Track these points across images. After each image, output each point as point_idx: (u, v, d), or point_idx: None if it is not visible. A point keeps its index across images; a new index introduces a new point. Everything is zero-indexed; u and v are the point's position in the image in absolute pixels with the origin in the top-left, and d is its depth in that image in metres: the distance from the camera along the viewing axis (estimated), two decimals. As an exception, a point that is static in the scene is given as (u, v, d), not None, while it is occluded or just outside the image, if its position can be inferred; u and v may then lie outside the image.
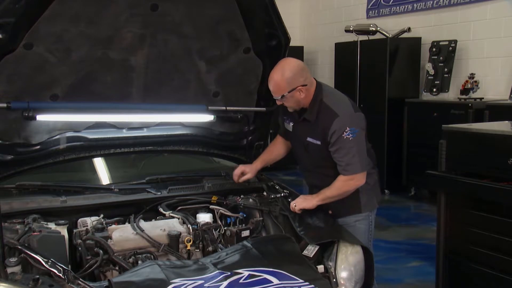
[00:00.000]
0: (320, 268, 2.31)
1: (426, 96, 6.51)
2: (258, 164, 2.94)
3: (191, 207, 2.78)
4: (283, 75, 2.50)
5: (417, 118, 6.37)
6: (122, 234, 2.42)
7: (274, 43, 2.68)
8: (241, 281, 2.03)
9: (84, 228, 2.45)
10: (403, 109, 6.55)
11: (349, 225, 2.67)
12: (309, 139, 2.64)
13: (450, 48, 6.22)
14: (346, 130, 2.47)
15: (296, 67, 2.54)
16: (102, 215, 2.56)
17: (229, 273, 2.07)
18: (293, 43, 2.81)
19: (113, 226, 2.51)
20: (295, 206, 2.60)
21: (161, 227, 2.50)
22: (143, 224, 2.52)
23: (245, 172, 2.90)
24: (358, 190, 2.71)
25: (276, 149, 2.96)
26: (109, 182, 3.02)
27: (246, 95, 2.93)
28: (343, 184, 2.57)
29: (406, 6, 7.00)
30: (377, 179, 2.83)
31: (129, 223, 2.56)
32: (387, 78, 6.60)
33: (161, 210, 2.68)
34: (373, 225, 2.83)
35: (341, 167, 2.55)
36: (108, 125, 2.86)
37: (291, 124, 2.74)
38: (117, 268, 2.24)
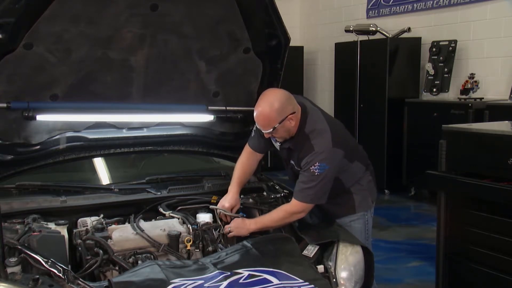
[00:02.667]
0: (320, 268, 2.31)
1: (426, 96, 6.50)
2: (237, 189, 2.75)
3: (191, 207, 2.78)
4: (272, 107, 2.43)
5: (417, 118, 6.36)
6: (122, 234, 2.42)
7: (274, 43, 2.68)
8: (241, 281, 2.03)
9: (84, 228, 2.45)
10: (403, 109, 6.54)
11: (344, 225, 2.67)
12: (292, 161, 2.65)
13: (450, 48, 6.22)
14: (315, 165, 2.46)
15: (283, 96, 2.49)
16: (102, 215, 2.56)
17: (229, 273, 2.07)
18: (293, 43, 2.81)
19: (113, 226, 2.51)
20: (229, 231, 2.57)
21: (161, 227, 2.50)
22: (143, 224, 2.52)
23: (232, 206, 2.70)
24: (351, 191, 2.72)
25: (249, 165, 2.84)
26: (109, 182, 3.02)
27: (246, 95, 2.93)
28: (285, 216, 2.54)
29: (406, 6, 6.99)
30: (371, 179, 2.82)
31: (129, 223, 2.56)
32: (387, 78, 6.59)
33: (161, 210, 2.68)
34: (369, 224, 2.82)
35: (296, 188, 2.55)
36: (108, 125, 2.86)
37: (278, 144, 2.71)
38: (117, 268, 2.24)
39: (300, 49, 8.48)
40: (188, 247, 2.43)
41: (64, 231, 2.34)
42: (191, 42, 2.57)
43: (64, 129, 2.76)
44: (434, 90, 6.33)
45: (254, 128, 2.77)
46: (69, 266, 2.15)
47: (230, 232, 2.58)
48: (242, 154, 2.86)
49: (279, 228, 2.62)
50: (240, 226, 2.57)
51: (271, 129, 2.48)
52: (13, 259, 1.96)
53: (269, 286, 2.02)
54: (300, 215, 2.55)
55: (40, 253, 2.02)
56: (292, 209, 2.54)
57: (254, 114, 2.50)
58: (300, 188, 2.52)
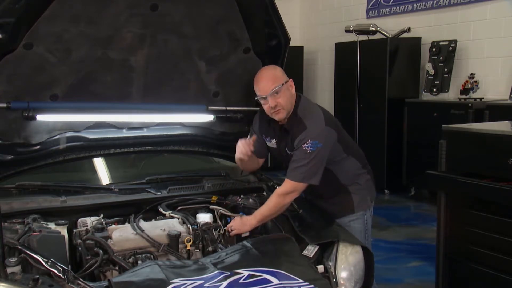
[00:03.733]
0: (320, 268, 2.31)
1: (426, 96, 6.51)
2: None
3: (191, 207, 2.78)
4: (275, 68, 2.57)
5: (417, 118, 6.36)
6: (122, 234, 2.42)
7: (274, 43, 2.68)
8: (241, 281, 2.03)
9: (84, 228, 2.45)
10: (403, 109, 6.54)
11: (343, 225, 2.66)
12: (287, 149, 2.65)
13: (450, 48, 6.22)
14: (308, 142, 2.47)
15: (280, 68, 2.63)
16: (102, 215, 2.56)
17: (229, 273, 2.06)
18: (293, 43, 2.81)
19: (113, 226, 2.51)
20: (231, 230, 2.58)
21: (161, 227, 2.50)
22: (143, 224, 2.52)
23: (249, 144, 2.65)
24: (349, 191, 2.73)
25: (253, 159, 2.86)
26: (109, 182, 3.02)
27: (246, 95, 2.93)
28: (279, 200, 2.54)
29: (406, 6, 7.00)
30: (370, 178, 2.83)
31: (129, 223, 2.56)
32: (387, 78, 6.60)
33: (161, 210, 2.68)
34: (369, 224, 2.82)
35: (289, 168, 2.55)
36: (108, 125, 2.86)
37: (274, 140, 2.72)
38: (117, 268, 2.24)
39: (300, 49, 8.48)
40: (188, 247, 2.43)
41: (64, 231, 2.34)
42: (191, 42, 2.57)
43: (64, 129, 2.76)
44: (434, 90, 6.33)
45: (250, 133, 2.80)
46: (69, 266, 2.15)
47: (232, 231, 2.58)
48: None
49: (279, 228, 2.62)
50: (241, 223, 2.57)
51: (280, 85, 2.49)
52: (13, 259, 1.96)
53: (269, 286, 2.02)
54: (292, 195, 2.54)
55: (40, 253, 2.01)
56: (284, 190, 2.53)
57: (258, 78, 2.53)
58: (292, 167, 2.53)
